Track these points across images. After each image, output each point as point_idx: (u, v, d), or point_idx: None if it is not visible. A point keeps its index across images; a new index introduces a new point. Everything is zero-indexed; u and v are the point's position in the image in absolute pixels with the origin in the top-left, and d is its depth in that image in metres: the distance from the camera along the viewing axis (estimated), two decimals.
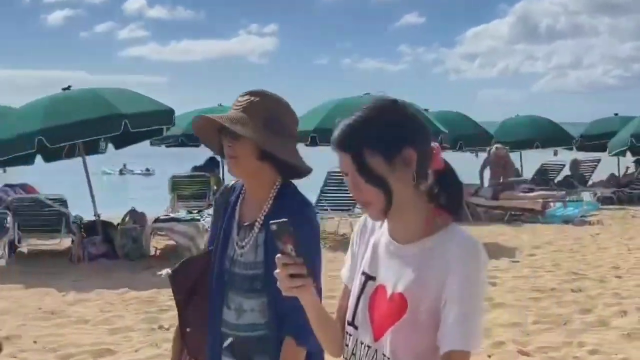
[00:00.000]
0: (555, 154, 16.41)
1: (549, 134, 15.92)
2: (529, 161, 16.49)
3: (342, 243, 9.98)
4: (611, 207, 15.39)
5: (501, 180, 14.55)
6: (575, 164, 16.08)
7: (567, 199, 13.65)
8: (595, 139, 15.99)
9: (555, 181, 15.64)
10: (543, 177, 15.36)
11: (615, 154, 13.24)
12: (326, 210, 10.75)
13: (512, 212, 13.23)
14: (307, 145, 10.48)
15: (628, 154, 15.37)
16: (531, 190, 14.35)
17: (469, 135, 13.79)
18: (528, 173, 15.80)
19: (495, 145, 14.76)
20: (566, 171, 15.98)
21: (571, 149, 17.43)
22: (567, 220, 12.80)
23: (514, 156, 15.33)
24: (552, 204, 13.45)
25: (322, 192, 10.81)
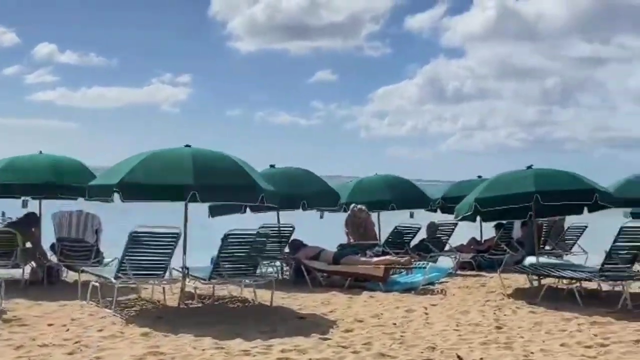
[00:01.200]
0: (412, 216, 15.73)
1: (405, 195, 15.27)
2: (391, 223, 15.77)
3: None
4: (469, 273, 14.77)
5: (350, 242, 13.79)
6: (432, 227, 15.43)
7: (414, 265, 12.87)
8: (456, 201, 15.30)
9: (411, 245, 14.90)
10: (398, 240, 14.61)
11: (463, 219, 12.59)
12: None
13: (355, 279, 12.35)
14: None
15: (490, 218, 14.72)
16: (385, 254, 13.60)
17: (314, 194, 12.90)
18: (386, 235, 15.04)
19: (358, 206, 14.01)
20: (423, 234, 15.30)
21: (435, 210, 16.86)
22: (410, 288, 12.01)
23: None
24: (397, 270, 12.66)
25: None
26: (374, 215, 15.03)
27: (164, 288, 10.34)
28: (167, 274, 9.90)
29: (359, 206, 13.75)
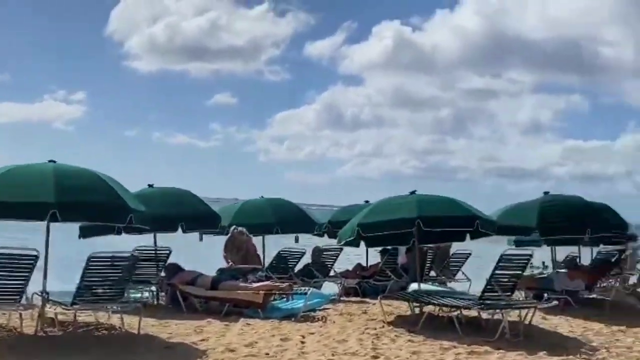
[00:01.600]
0: (297, 240, 15.37)
1: (291, 219, 14.91)
2: (278, 247, 15.36)
3: None
4: (353, 299, 14.50)
5: (230, 266, 13.28)
6: (316, 251, 15.11)
7: (296, 291, 12.47)
8: (343, 226, 15.03)
9: (295, 270, 14.52)
10: (282, 264, 14.21)
11: (346, 244, 12.33)
12: None
13: (234, 305, 11.84)
14: None
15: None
16: (268, 278, 13.17)
17: (194, 216, 12.36)
18: (270, 260, 14.62)
19: (238, 229, 13.53)
20: (308, 259, 14.97)
21: (322, 235, 16.56)
22: (290, 315, 11.59)
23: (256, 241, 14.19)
24: (277, 295, 12.22)
25: None
26: (258, 239, 14.61)
27: (20, 314, 9.57)
28: (24, 299, 9.16)
29: (239, 228, 13.27)
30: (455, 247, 16.81)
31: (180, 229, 12.31)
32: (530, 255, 11.11)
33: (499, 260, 10.58)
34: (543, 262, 18.02)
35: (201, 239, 13.08)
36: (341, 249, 14.72)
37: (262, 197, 15.54)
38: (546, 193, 14.36)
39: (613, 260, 14.56)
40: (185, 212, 12.20)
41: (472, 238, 12.56)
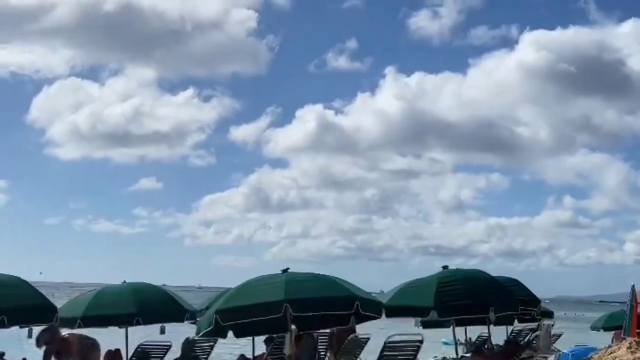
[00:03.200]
0: (162, 331, 13.29)
1: (156, 307, 12.84)
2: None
3: None
4: None
5: None
6: (187, 344, 13.11)
7: None
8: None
9: None
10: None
11: (207, 335, 10.41)
12: None
13: None
14: None
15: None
16: None
17: (19, 308, 10.23)
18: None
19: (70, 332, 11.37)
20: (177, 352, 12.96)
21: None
22: None
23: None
24: None
25: None
26: (119, 333, 12.58)
27: None
28: None
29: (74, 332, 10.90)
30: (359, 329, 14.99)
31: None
32: (420, 342, 9.46)
33: (383, 349, 8.88)
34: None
35: (30, 336, 10.90)
36: (216, 339, 12.74)
37: (124, 282, 13.49)
38: (445, 267, 12.75)
39: (523, 340, 12.97)
40: (8, 304, 10.07)
41: (358, 322, 10.84)
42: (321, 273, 10.56)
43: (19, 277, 10.75)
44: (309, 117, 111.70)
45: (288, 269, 10.43)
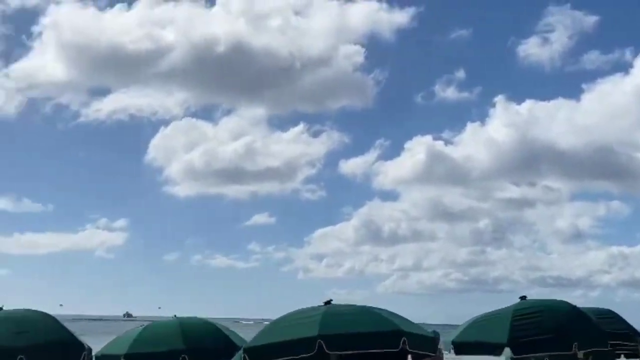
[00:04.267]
0: None
1: (205, 344, 11.91)
2: None
3: None
4: None
5: None
6: None
7: None
8: None
9: None
10: None
11: None
12: None
13: None
14: None
15: None
16: None
17: (39, 347, 9.51)
18: None
19: None
20: None
21: None
22: None
23: None
24: None
25: None
26: None
27: None
28: None
29: None
30: None
31: None
32: None
33: None
34: None
35: None
36: None
37: (174, 316, 12.67)
38: (523, 298, 11.27)
39: None
40: (28, 342, 9.37)
41: None
42: (370, 306, 9.37)
43: (42, 312, 10.11)
44: (418, 149, 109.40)
45: (331, 300, 9.30)
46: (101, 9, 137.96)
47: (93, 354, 11.05)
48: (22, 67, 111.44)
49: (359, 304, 9.56)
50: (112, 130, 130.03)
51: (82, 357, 9.86)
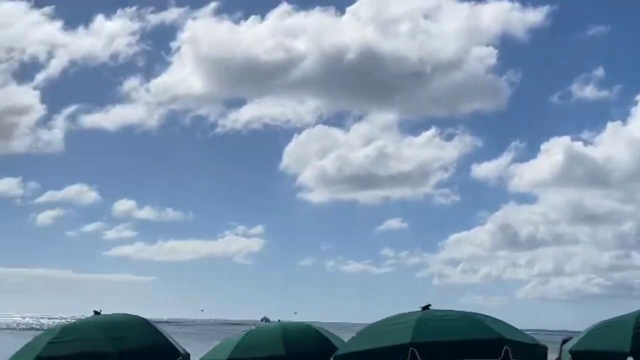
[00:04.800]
0: None
1: (307, 349, 11.54)
2: None
3: None
4: None
5: None
6: None
7: None
8: None
9: None
10: None
11: None
12: None
13: None
14: None
15: None
16: None
17: (135, 351, 9.38)
18: None
19: None
20: None
21: None
22: None
23: None
24: None
25: None
26: None
27: None
28: None
29: None
30: None
31: None
32: None
33: None
34: None
35: None
36: None
37: (263, 319, 12.38)
38: None
39: None
40: (121, 347, 9.26)
41: None
42: (471, 312, 8.72)
43: (138, 317, 9.98)
44: (555, 150, 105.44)
45: (429, 305, 8.71)
46: (236, 21, 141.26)
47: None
48: (162, 81, 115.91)
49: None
50: (247, 140, 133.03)
51: None
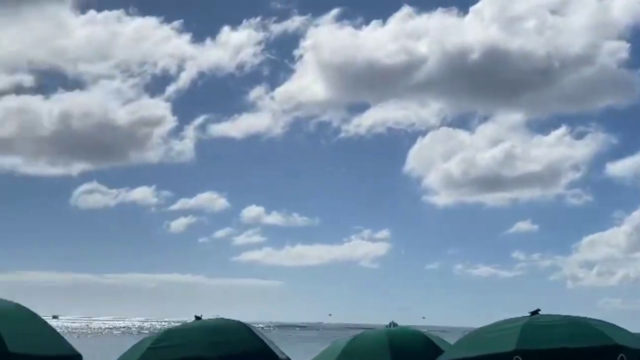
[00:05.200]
0: None
1: (416, 355, 11.12)
2: None
3: None
4: None
5: None
6: None
7: None
8: None
9: None
10: None
11: None
12: None
13: None
14: None
15: None
16: None
17: (232, 357, 9.26)
18: None
19: None
20: None
21: None
22: None
23: None
24: None
25: None
26: None
27: None
28: None
29: None
30: None
31: None
32: None
33: None
34: None
35: None
36: None
37: (390, 324, 11.99)
38: None
39: None
40: (220, 352, 9.14)
41: None
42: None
43: (238, 322, 9.84)
44: None
45: (538, 310, 8.14)
46: (357, 27, 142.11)
47: None
48: (286, 89, 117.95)
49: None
50: (371, 144, 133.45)
51: None
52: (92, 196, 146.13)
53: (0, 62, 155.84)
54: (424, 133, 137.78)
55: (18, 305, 7.38)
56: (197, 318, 10.00)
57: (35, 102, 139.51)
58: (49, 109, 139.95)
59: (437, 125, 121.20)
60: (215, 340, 9.29)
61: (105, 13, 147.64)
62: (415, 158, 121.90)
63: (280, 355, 9.51)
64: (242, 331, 9.62)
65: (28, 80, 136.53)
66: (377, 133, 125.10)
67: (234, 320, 9.93)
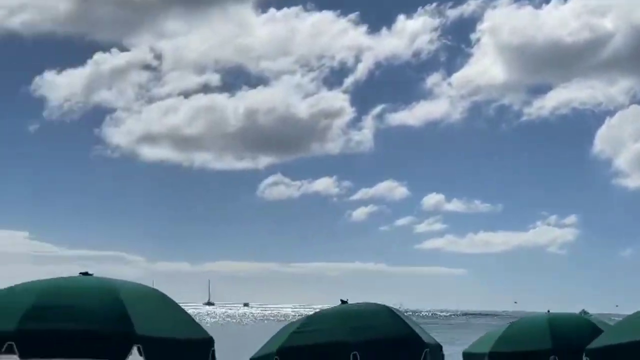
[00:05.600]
0: None
1: (577, 342, 10.34)
2: None
3: None
4: None
5: None
6: None
7: None
8: None
9: None
10: None
11: None
12: None
13: None
14: None
15: None
16: None
17: (375, 343, 8.96)
18: None
19: None
20: None
21: None
22: None
23: None
24: None
25: None
26: None
27: None
28: None
29: None
30: None
31: None
32: None
33: None
34: None
35: None
36: None
37: (548, 312, 11.28)
38: None
39: None
40: (363, 337, 8.87)
41: None
42: None
43: (384, 306, 9.55)
44: None
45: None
46: (537, 6, 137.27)
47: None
48: (463, 74, 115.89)
49: None
50: (555, 126, 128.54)
51: (423, 356, 9.12)
52: (277, 188, 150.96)
53: (190, 63, 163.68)
54: (612, 113, 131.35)
55: (154, 290, 7.50)
56: (343, 302, 9.83)
57: (221, 100, 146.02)
58: (234, 106, 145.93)
59: (626, 103, 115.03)
60: (357, 325, 9.09)
61: (285, 10, 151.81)
62: (603, 139, 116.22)
63: (427, 341, 9.14)
64: (386, 316, 9.33)
65: (215, 79, 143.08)
66: (561, 115, 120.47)
67: (379, 304, 9.67)
